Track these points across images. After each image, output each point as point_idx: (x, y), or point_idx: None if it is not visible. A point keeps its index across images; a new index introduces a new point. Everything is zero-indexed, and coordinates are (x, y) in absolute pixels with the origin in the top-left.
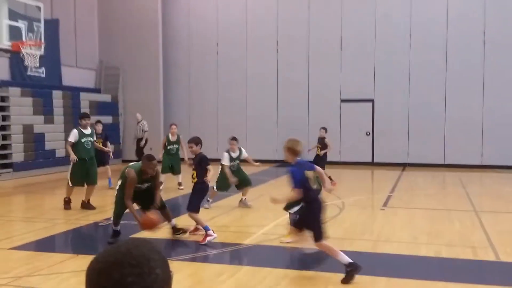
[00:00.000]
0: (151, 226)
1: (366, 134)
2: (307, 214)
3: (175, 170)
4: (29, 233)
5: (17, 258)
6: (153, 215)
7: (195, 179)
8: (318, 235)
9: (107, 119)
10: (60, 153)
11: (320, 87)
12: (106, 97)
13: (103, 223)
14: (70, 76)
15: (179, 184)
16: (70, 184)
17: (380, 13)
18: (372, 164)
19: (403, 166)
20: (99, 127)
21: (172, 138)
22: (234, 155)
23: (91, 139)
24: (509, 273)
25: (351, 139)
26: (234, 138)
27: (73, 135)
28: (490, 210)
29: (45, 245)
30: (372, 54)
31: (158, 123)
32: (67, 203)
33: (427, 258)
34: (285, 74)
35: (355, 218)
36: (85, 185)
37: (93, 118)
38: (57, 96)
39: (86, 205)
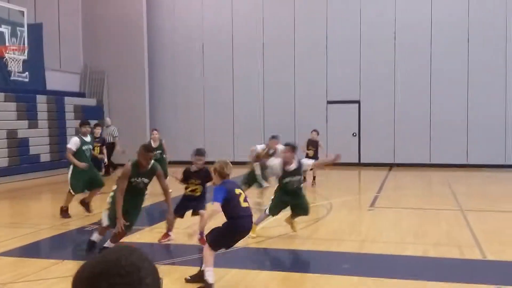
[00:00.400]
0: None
1: (353, 135)
2: (222, 228)
3: None
4: (14, 239)
5: (2, 264)
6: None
7: (199, 193)
8: (212, 243)
9: (92, 124)
10: (44, 158)
11: (306, 88)
12: (91, 101)
13: (89, 228)
14: (54, 80)
15: None
16: (73, 193)
17: (365, 15)
18: (359, 164)
19: (390, 166)
20: (98, 130)
21: (154, 144)
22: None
23: (90, 146)
24: (496, 272)
25: (338, 140)
26: (274, 137)
27: (75, 143)
28: (476, 209)
29: (31, 251)
30: (358, 56)
31: (143, 126)
32: (65, 212)
33: (414, 258)
34: (271, 76)
35: (342, 219)
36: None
37: (78, 123)
38: (41, 101)
39: (85, 205)
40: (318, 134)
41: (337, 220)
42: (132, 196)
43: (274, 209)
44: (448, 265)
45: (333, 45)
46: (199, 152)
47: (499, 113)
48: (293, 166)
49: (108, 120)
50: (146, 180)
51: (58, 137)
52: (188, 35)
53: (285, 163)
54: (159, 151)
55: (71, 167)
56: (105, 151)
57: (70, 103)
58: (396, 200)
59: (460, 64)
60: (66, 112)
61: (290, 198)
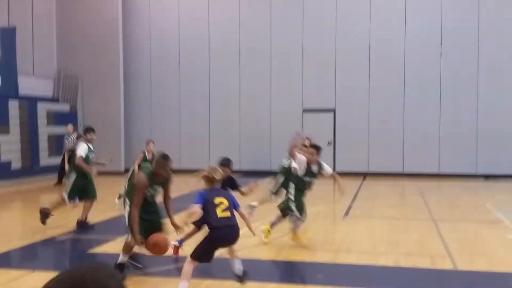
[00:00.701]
0: (160, 250)
1: (328, 143)
2: (204, 238)
3: None
4: None
5: None
6: (164, 237)
7: None
8: (195, 254)
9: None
10: (16, 165)
11: (282, 97)
12: (64, 107)
13: (61, 238)
14: (27, 85)
15: None
16: (67, 201)
17: (341, 26)
18: None
19: (364, 175)
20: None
21: (148, 155)
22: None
23: (93, 154)
24: (466, 282)
25: None
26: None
27: (84, 150)
28: (448, 219)
29: (1, 261)
30: (333, 65)
31: (118, 133)
32: (46, 216)
33: (387, 268)
34: (248, 85)
35: (316, 228)
36: (76, 201)
37: (51, 129)
38: (13, 106)
39: (83, 224)
40: (310, 141)
41: (312, 229)
42: (146, 208)
43: (304, 211)
44: (420, 275)
45: (309, 54)
46: (224, 163)
47: (470, 124)
48: (315, 168)
49: (70, 127)
50: (159, 189)
51: (30, 144)
52: (165, 43)
53: (309, 162)
54: (150, 163)
55: (74, 174)
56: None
57: (43, 108)
58: (369, 210)
59: (433, 75)
60: (39, 118)
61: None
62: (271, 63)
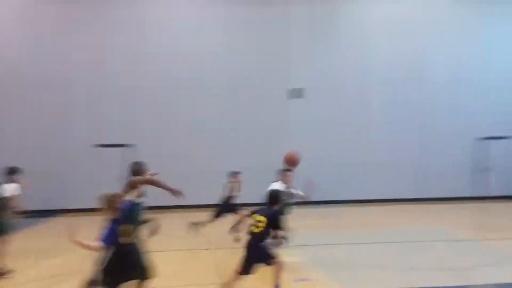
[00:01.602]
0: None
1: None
2: (117, 262)
3: None
4: None
5: None
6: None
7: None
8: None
9: None
10: None
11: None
12: None
13: None
14: None
15: None
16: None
17: (148, 62)
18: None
19: (161, 207)
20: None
21: None
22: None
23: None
24: None
25: (106, 183)
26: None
27: (18, 189)
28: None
29: None
30: (136, 99)
31: None
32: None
33: None
34: (35, 118)
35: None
36: None
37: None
38: None
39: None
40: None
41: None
42: None
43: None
44: None
45: (107, 91)
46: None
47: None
48: (290, 190)
49: None
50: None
51: None
52: (7, 73)
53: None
54: None
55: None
56: None
57: None
58: (163, 242)
59: (235, 105)
60: None
61: None
62: (71, 94)
